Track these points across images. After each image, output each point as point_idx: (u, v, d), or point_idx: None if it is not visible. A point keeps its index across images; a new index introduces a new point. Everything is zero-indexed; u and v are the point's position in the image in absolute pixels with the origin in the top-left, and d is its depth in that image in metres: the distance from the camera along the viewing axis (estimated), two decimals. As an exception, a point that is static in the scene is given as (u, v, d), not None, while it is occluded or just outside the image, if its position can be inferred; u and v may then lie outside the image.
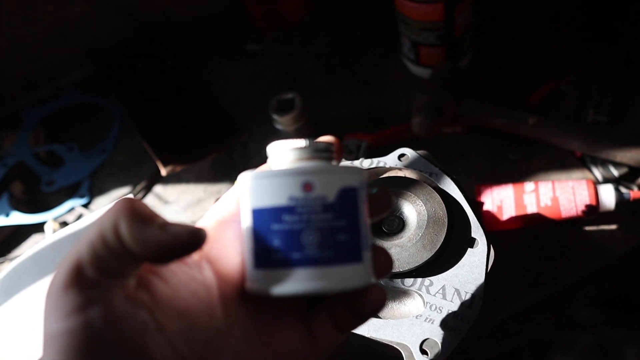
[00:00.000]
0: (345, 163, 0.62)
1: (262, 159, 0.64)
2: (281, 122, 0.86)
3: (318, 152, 0.38)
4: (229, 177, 0.90)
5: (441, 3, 0.83)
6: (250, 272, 0.37)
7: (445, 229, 0.55)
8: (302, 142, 0.38)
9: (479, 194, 0.78)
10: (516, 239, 0.75)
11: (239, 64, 1.07)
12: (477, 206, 0.76)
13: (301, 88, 1.00)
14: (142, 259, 0.32)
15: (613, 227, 0.75)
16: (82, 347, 0.29)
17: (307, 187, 0.35)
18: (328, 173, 0.36)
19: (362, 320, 0.39)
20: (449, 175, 0.59)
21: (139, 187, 0.91)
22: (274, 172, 0.36)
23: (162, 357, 0.31)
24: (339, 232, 0.36)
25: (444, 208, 0.56)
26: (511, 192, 0.76)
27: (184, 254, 0.33)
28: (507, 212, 0.75)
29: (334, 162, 0.39)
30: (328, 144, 0.39)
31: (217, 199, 0.79)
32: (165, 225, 0.32)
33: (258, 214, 0.37)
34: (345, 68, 1.02)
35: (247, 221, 0.37)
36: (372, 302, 0.38)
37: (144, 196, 0.90)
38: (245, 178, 0.37)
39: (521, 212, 0.74)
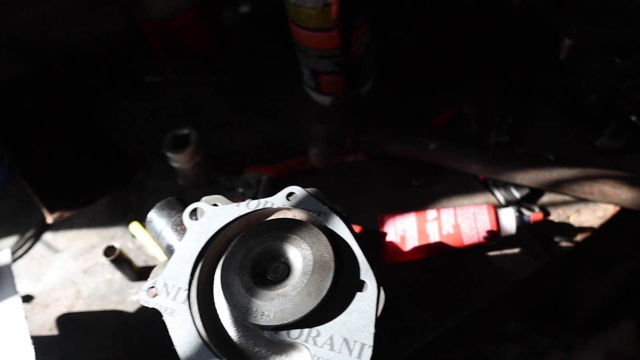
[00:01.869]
0: (231, 205, 0.58)
1: (159, 197, 0.60)
2: (176, 159, 0.81)
3: None
4: (125, 219, 0.85)
5: (336, 30, 0.81)
6: None
7: (332, 274, 0.51)
8: None
9: (382, 224, 0.76)
10: (420, 269, 0.73)
11: (138, 98, 1.02)
12: (379, 239, 0.74)
13: (203, 120, 0.96)
14: None
15: (515, 250, 0.74)
16: None
17: None
18: None
19: None
20: (338, 214, 0.56)
21: (27, 235, 0.84)
22: None
23: None
24: None
25: (331, 251, 0.53)
26: (414, 221, 0.74)
27: None
28: (410, 242, 0.73)
29: None
30: None
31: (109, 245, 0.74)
32: None
33: None
34: (248, 98, 0.99)
35: None
36: None
37: (31, 245, 0.84)
38: None
39: (424, 242, 0.72)
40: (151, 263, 0.79)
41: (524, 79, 0.90)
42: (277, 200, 0.58)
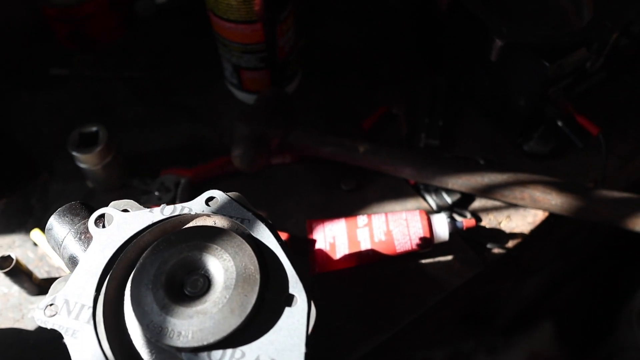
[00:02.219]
0: (144, 210, 0.52)
1: (66, 200, 0.52)
2: (84, 159, 0.73)
3: None
4: (24, 226, 0.76)
5: (260, 23, 0.75)
6: None
7: (258, 287, 0.46)
8: None
9: (311, 230, 0.71)
10: (352, 279, 0.69)
11: (41, 92, 0.92)
12: (308, 247, 0.69)
13: (114, 118, 0.88)
14: None
15: (449, 258, 0.71)
16: None
17: None
18: None
19: None
20: (263, 221, 0.51)
21: None
22: None
23: None
24: None
25: (256, 262, 0.47)
26: (344, 228, 0.70)
27: None
28: (341, 249, 0.69)
29: None
30: None
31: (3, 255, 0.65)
32: None
33: None
34: (164, 95, 0.91)
35: None
36: None
37: None
38: None
39: (355, 249, 0.68)
40: (55, 274, 0.71)
41: (453, 81, 0.89)
42: (196, 205, 0.52)
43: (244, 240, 0.48)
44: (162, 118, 0.88)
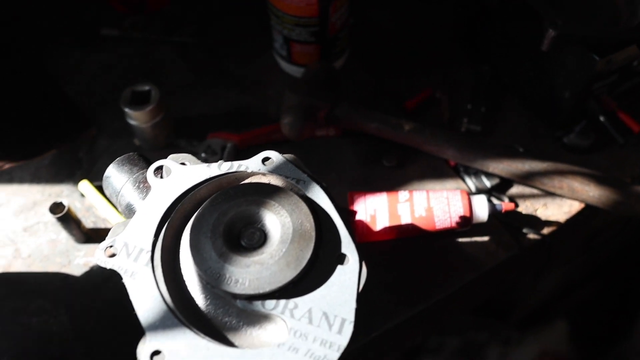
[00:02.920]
0: (201, 165, 0.54)
1: (113, 156, 0.54)
2: (135, 116, 0.75)
3: None
4: (73, 177, 0.78)
5: (316, -3, 0.77)
6: None
7: (313, 244, 0.48)
8: None
9: (352, 202, 0.73)
10: (390, 250, 0.70)
11: (92, 51, 0.94)
12: (349, 217, 0.71)
13: (161, 81, 0.90)
14: None
15: (485, 238, 0.72)
16: None
17: None
18: None
19: None
20: (318, 183, 0.52)
21: (-41, 187, 0.76)
22: None
23: None
24: None
25: (312, 220, 0.49)
26: (385, 201, 0.71)
27: None
28: (381, 222, 0.70)
29: None
30: None
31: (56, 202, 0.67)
32: None
33: None
34: (211, 62, 0.93)
35: None
36: None
37: (-36, 198, 0.76)
38: None
39: (395, 223, 0.70)
40: (101, 225, 0.73)
41: (497, 70, 0.89)
42: (252, 164, 0.54)
43: (300, 199, 0.50)
44: (209, 84, 0.90)
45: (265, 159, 0.54)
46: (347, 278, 0.48)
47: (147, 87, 0.76)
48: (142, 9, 0.99)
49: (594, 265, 1.32)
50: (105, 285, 0.67)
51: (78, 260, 0.70)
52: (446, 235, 0.71)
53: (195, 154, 0.78)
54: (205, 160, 0.77)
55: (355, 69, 0.91)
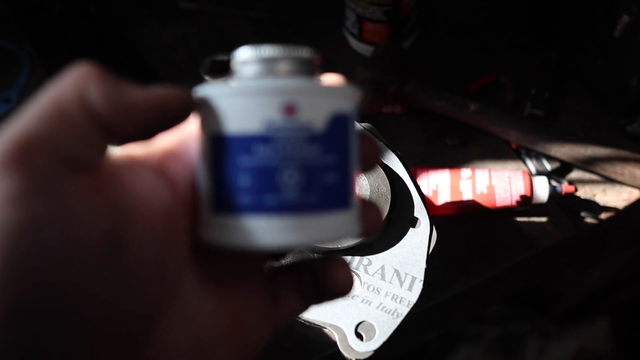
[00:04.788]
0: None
1: None
2: (213, 85, 0.80)
3: (302, 65, 0.29)
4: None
5: (392, -23, 0.79)
6: (207, 217, 0.28)
7: (388, 206, 0.51)
8: (279, 50, 0.29)
9: (415, 176, 0.76)
10: (449, 225, 0.74)
11: (170, 22, 0.99)
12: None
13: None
14: (118, 134, 0.24)
15: (543, 219, 0.75)
16: (17, 245, 0.21)
17: (289, 109, 0.27)
18: (317, 93, 0.27)
19: (325, 298, 0.32)
20: (393, 151, 0.56)
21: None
22: (244, 87, 0.27)
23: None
24: (328, 171, 0.28)
25: (388, 184, 0.52)
26: (447, 177, 0.74)
27: (173, 123, 0.26)
28: (443, 197, 0.73)
29: (318, 80, 0.29)
30: (312, 54, 0.30)
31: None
32: (145, 87, 0.25)
33: (221, 143, 0.27)
34: (285, 38, 0.97)
35: (205, 151, 0.28)
36: (338, 283, 0.31)
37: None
38: (204, 93, 0.27)
39: (456, 198, 0.73)
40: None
41: (563, 56, 0.90)
42: (331, 131, 0.58)
43: (377, 164, 0.53)
44: (281, 59, 0.93)
45: (344, 127, 0.58)
46: (419, 240, 0.51)
47: (226, 57, 0.80)
48: (219, -17, 1.04)
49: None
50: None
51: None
52: (505, 213, 0.74)
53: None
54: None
55: (422, 50, 0.93)
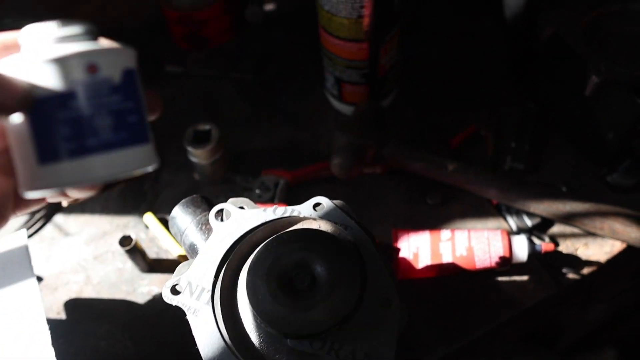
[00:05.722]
0: (258, 209, 0.59)
1: (175, 190, 0.59)
2: (196, 154, 0.82)
3: (88, 33, 0.36)
4: (138, 209, 0.85)
5: (367, 42, 0.81)
6: (33, 171, 0.35)
7: (358, 289, 0.52)
8: (67, 23, 0.35)
9: (396, 239, 0.77)
10: (430, 287, 0.74)
11: (156, 86, 1.02)
12: (393, 255, 0.75)
13: (221, 115, 0.96)
14: None
15: (524, 278, 0.75)
16: None
17: (91, 68, 0.33)
18: (111, 53, 0.35)
19: None
20: (364, 230, 0.57)
21: (37, 215, 0.84)
22: (50, 55, 0.33)
23: None
24: (129, 113, 0.36)
25: (357, 266, 0.53)
26: (428, 240, 0.75)
27: None
28: (423, 260, 0.74)
29: (101, 43, 0.37)
30: (92, 23, 0.37)
31: (125, 235, 0.74)
32: None
33: (38, 104, 0.33)
34: (268, 98, 0.99)
35: (22, 117, 0.34)
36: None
37: (42, 226, 0.83)
38: (14, 61, 0.34)
39: (437, 261, 0.73)
40: (163, 256, 0.79)
41: (543, 108, 0.92)
42: (304, 209, 0.59)
43: (346, 245, 0.54)
44: (265, 119, 0.95)
45: (316, 205, 0.59)
46: (390, 321, 0.52)
47: (207, 127, 0.82)
48: (204, 46, 1.06)
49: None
50: (166, 314, 0.73)
51: (142, 288, 0.76)
52: (485, 274, 0.74)
53: (250, 190, 0.84)
54: (259, 196, 0.83)
55: (403, 107, 0.95)
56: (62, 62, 0.33)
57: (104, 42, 0.38)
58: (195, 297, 0.54)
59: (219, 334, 0.52)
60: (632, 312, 1.38)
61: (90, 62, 0.33)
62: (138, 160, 0.37)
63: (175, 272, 0.57)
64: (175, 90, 1.01)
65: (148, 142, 0.38)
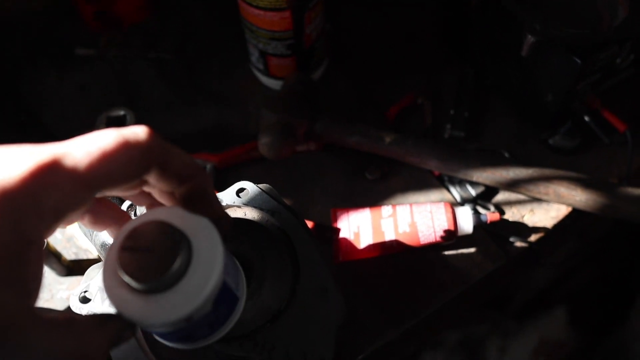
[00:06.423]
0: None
1: None
2: (111, 143, 0.74)
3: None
4: (52, 207, 0.77)
5: (289, 11, 0.75)
6: None
7: (290, 280, 0.47)
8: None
9: (335, 219, 0.72)
10: (375, 268, 0.70)
11: (67, 72, 0.93)
12: (332, 236, 0.70)
13: (140, 99, 0.89)
14: None
15: (472, 250, 0.71)
16: None
17: (188, 320, 0.35)
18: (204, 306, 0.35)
19: None
20: (294, 214, 0.51)
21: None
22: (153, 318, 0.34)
23: None
24: (223, 303, 0.38)
25: (287, 254, 0.48)
26: (368, 218, 0.70)
27: None
28: (365, 239, 0.69)
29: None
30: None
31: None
32: None
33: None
34: (189, 78, 0.92)
35: None
36: None
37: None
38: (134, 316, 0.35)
39: (379, 240, 0.69)
40: (83, 256, 0.72)
41: (480, 73, 0.88)
42: (226, 196, 0.53)
43: (274, 233, 0.49)
44: (188, 101, 0.88)
45: (239, 190, 0.53)
46: (327, 313, 0.47)
47: (122, 112, 0.75)
48: (118, 26, 0.97)
49: (591, 252, 1.31)
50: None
51: (61, 294, 0.69)
52: (431, 249, 0.70)
53: (175, 177, 0.77)
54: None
55: (335, 79, 0.90)
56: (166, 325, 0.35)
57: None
58: (107, 303, 0.47)
59: (134, 341, 0.46)
60: (578, 268, 1.39)
61: (185, 318, 0.34)
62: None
63: (84, 277, 0.50)
64: (89, 75, 0.93)
65: (239, 300, 0.40)
